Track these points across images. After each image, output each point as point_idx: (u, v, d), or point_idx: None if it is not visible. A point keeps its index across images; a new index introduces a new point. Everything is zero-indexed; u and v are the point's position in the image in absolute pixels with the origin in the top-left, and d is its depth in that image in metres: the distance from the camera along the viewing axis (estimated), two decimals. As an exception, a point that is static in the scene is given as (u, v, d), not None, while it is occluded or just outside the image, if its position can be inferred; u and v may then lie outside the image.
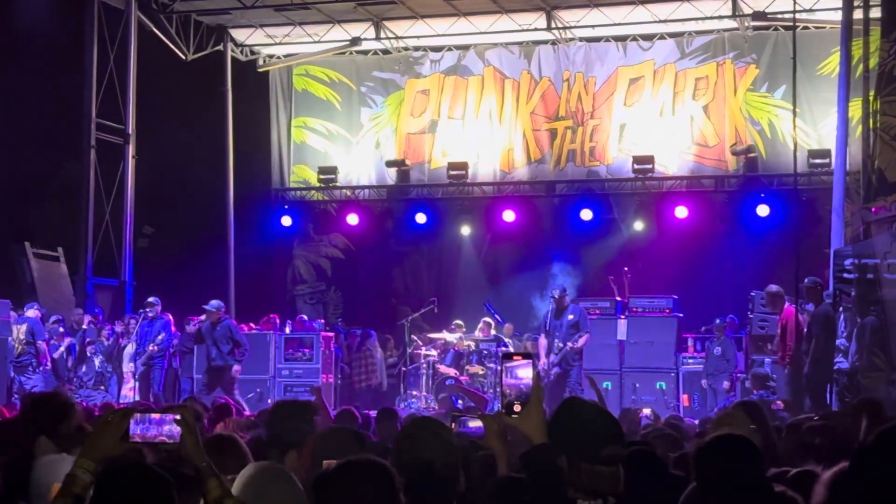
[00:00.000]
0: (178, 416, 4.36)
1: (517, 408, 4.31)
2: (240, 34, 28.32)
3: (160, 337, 21.09)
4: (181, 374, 22.33)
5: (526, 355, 4.43)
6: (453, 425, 4.78)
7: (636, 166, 26.08)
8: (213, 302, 20.76)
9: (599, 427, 4.50)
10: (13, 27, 25.25)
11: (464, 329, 23.31)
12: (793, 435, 7.85)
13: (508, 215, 26.83)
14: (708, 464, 5.03)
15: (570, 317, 20.60)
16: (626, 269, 23.70)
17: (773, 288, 18.67)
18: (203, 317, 20.79)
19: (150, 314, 21.42)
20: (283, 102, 29.33)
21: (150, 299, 21.56)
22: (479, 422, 4.73)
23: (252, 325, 24.28)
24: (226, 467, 5.20)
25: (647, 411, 14.93)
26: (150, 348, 21.15)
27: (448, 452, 5.01)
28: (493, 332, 22.85)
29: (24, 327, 20.95)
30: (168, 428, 4.35)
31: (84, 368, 22.41)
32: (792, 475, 5.87)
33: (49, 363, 21.44)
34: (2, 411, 13.32)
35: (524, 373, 4.34)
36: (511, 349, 22.37)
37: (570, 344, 20.37)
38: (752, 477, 4.82)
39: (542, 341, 20.80)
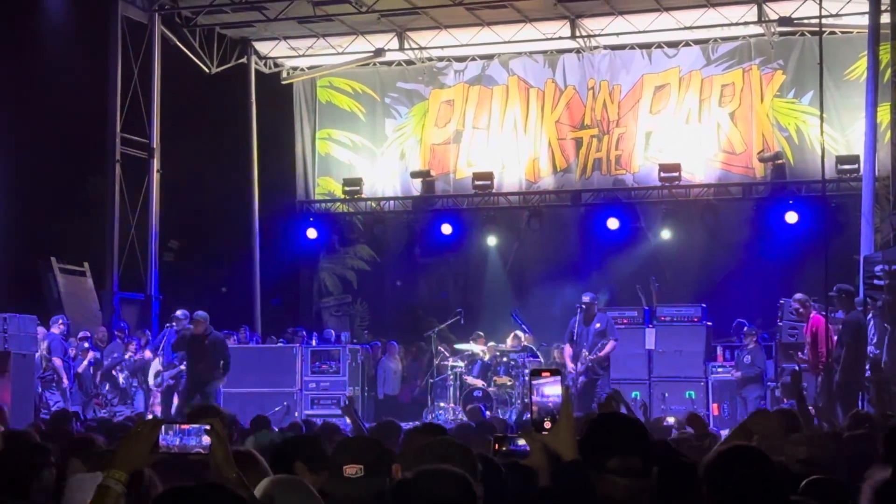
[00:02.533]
0: (208, 427, 4.29)
1: (547, 424, 4.25)
2: (263, 47, 28.35)
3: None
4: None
5: (554, 371, 4.36)
6: (496, 445, 4.70)
7: (663, 174, 25.96)
8: (200, 312, 20.74)
9: (607, 438, 4.43)
10: (37, 42, 25.29)
11: (484, 339, 23.22)
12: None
13: (534, 225, 26.72)
14: (719, 477, 4.95)
15: (598, 325, 20.47)
16: (653, 277, 23.56)
17: (801, 296, 18.50)
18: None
19: (177, 328, 21.37)
20: (307, 114, 29.33)
21: (178, 313, 21.51)
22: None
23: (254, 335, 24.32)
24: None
25: (671, 420, 14.83)
26: (183, 367, 21.03)
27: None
28: (522, 342, 22.68)
29: (45, 343, 20.98)
30: (199, 438, 4.27)
31: (108, 386, 22.34)
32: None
33: (67, 379, 21.37)
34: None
35: (553, 389, 4.29)
36: (541, 359, 22.28)
37: (590, 355, 20.25)
38: (766, 489, 4.72)
39: (568, 349, 20.68)
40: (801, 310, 18.30)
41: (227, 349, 20.45)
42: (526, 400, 20.78)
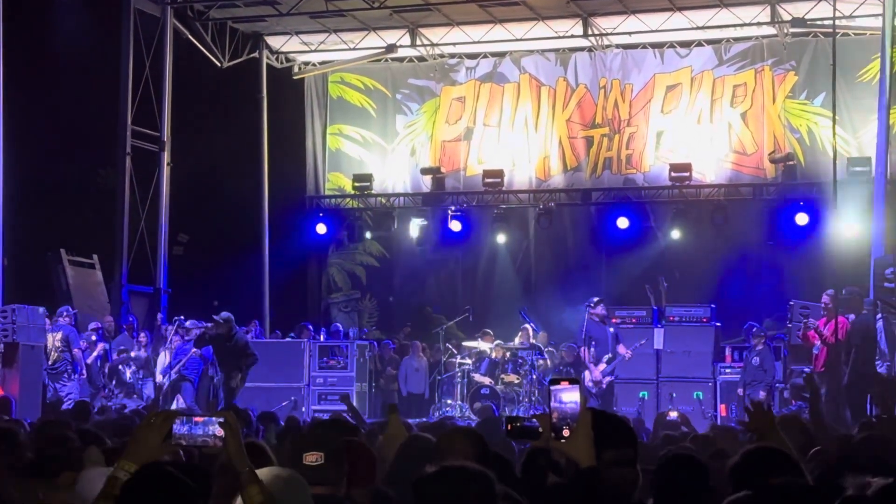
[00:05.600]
0: (221, 419, 4.28)
1: (566, 432, 4.26)
2: (275, 41, 28.36)
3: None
4: (218, 382, 22.18)
5: (573, 381, 4.37)
6: (508, 426, 4.70)
7: (673, 174, 25.92)
8: (223, 314, 20.71)
9: (603, 433, 4.45)
10: (50, 35, 25.32)
11: (492, 337, 23.23)
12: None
13: (544, 223, 26.69)
14: (745, 478, 4.96)
15: (611, 329, 20.73)
16: (662, 277, 23.55)
17: (832, 292, 18.28)
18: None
19: (185, 337, 21.43)
20: (318, 110, 29.32)
21: (186, 324, 21.56)
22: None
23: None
24: None
25: (673, 414, 14.89)
26: (193, 351, 21.10)
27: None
28: (531, 339, 22.70)
29: (59, 335, 20.93)
30: (211, 431, 4.26)
31: (114, 381, 22.28)
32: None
33: (84, 371, 21.40)
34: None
35: (570, 397, 4.31)
36: (547, 359, 22.31)
37: (627, 354, 20.52)
38: (790, 489, 4.70)
39: (584, 351, 20.77)
40: (830, 305, 18.13)
41: (248, 353, 20.33)
42: (532, 398, 20.93)
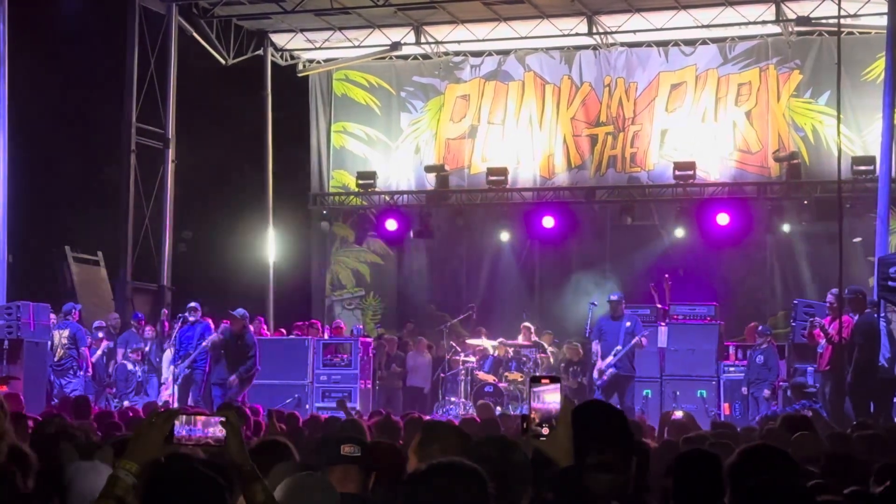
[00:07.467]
0: (223, 419, 4.29)
1: (545, 430, 4.26)
2: (280, 39, 28.35)
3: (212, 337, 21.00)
4: (212, 379, 22.20)
5: (554, 379, 4.36)
6: (524, 424, 4.70)
7: (677, 172, 25.90)
8: (239, 310, 20.66)
9: (585, 434, 4.41)
10: (54, 32, 25.33)
11: (486, 334, 23.23)
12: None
13: (548, 221, 26.62)
14: (742, 476, 4.95)
15: (628, 324, 20.56)
16: (666, 276, 23.53)
17: (837, 291, 18.24)
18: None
19: (190, 319, 21.37)
20: (322, 107, 29.33)
21: (192, 304, 21.51)
22: None
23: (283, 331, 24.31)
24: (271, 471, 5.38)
25: (679, 413, 14.84)
26: (204, 344, 21.05)
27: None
28: (533, 337, 22.68)
29: (66, 332, 20.97)
30: (213, 430, 4.27)
31: (126, 381, 22.21)
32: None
33: (90, 368, 21.42)
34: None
35: (552, 396, 4.28)
36: (550, 357, 22.31)
37: (642, 339, 20.29)
38: (790, 489, 4.71)
39: (596, 346, 20.69)
40: (835, 304, 18.08)
41: (253, 355, 20.24)
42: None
